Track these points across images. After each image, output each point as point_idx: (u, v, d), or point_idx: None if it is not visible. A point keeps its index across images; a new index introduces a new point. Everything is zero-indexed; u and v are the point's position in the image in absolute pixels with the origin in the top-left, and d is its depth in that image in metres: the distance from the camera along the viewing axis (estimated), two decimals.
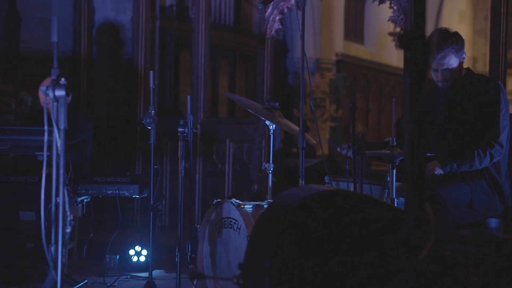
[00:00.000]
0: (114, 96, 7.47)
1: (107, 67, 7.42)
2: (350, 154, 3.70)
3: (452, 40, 3.80)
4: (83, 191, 4.60)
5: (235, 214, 3.88)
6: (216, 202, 4.03)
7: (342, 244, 2.48)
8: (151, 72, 4.28)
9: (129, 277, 4.92)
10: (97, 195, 4.69)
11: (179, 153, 4.02)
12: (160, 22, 7.37)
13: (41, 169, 4.70)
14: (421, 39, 1.94)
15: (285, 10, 6.50)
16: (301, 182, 3.74)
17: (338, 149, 3.93)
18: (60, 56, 7.44)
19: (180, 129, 3.98)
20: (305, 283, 2.45)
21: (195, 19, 6.73)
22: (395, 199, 3.62)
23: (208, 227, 4.07)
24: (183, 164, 3.97)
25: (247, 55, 9.77)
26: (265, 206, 3.92)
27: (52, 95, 2.79)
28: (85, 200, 4.70)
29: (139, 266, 5.10)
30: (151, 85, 4.28)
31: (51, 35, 7.07)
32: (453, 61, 3.84)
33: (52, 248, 2.75)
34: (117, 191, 4.63)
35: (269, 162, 4.31)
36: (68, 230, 2.82)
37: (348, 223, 2.54)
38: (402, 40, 1.96)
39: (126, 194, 4.67)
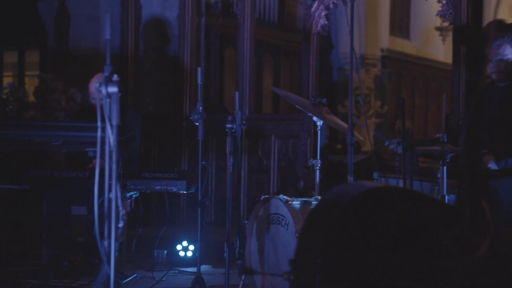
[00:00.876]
0: (160, 92, 7.53)
1: (154, 64, 7.49)
2: (399, 150, 3.67)
3: (508, 30, 3.75)
4: (132, 186, 4.65)
5: (283, 210, 3.88)
6: (264, 198, 4.04)
7: (394, 241, 2.46)
8: (199, 69, 4.30)
9: (176, 272, 4.96)
10: (145, 191, 4.75)
11: (227, 149, 4.04)
12: (205, 19, 7.40)
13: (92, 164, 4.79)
14: (478, 33, 1.91)
15: (331, 6, 6.47)
16: (350, 178, 3.72)
17: (386, 143, 3.89)
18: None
19: (228, 125, 3.99)
20: (356, 280, 2.43)
21: (241, 16, 6.74)
22: (446, 196, 3.58)
23: (256, 223, 4.08)
24: (232, 160, 3.99)
25: (291, 51, 9.75)
26: (313, 202, 3.92)
27: (105, 92, 2.82)
28: (133, 196, 4.76)
29: (186, 261, 5.14)
30: (199, 81, 4.30)
31: (99, 32, 7.15)
32: (508, 51, 3.77)
33: (105, 243, 2.79)
34: (165, 187, 4.67)
35: (316, 158, 4.31)
36: (121, 224, 2.86)
37: (400, 220, 2.51)
38: (458, 35, 1.93)
39: (174, 189, 4.71)
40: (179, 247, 5.20)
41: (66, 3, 7.01)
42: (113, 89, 2.83)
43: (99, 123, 2.83)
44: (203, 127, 4.30)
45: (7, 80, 8.20)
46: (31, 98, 6.89)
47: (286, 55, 9.77)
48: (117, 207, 2.85)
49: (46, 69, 7.28)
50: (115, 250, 2.81)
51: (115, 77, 2.84)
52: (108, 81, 2.83)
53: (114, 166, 2.86)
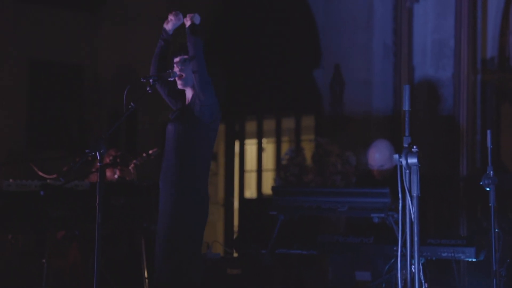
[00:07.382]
0: (434, 153, 7.36)
1: (426, 124, 7.38)
2: None
3: None
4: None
5: None
6: None
7: None
8: (489, 131, 4.14)
9: None
10: (431, 258, 4.61)
11: None
12: (481, 76, 7.15)
13: (374, 230, 4.79)
14: None
15: None
16: None
17: None
18: (381, 115, 7.60)
19: None
20: None
21: None
22: None
23: None
24: None
25: None
26: None
27: (405, 163, 2.81)
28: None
29: None
30: (489, 144, 4.14)
31: (371, 96, 7.16)
32: None
33: None
34: (452, 254, 4.51)
35: None
36: None
37: None
38: None
39: (462, 257, 4.53)
40: None
41: (341, 69, 7.24)
42: (413, 160, 2.82)
43: (400, 194, 2.82)
44: (477, 186, 4.13)
45: (285, 146, 8.65)
46: (308, 162, 7.14)
47: None
48: (420, 280, 2.79)
49: (321, 133, 7.53)
50: None
51: (414, 148, 2.83)
52: (408, 152, 2.83)
53: (416, 238, 2.81)
